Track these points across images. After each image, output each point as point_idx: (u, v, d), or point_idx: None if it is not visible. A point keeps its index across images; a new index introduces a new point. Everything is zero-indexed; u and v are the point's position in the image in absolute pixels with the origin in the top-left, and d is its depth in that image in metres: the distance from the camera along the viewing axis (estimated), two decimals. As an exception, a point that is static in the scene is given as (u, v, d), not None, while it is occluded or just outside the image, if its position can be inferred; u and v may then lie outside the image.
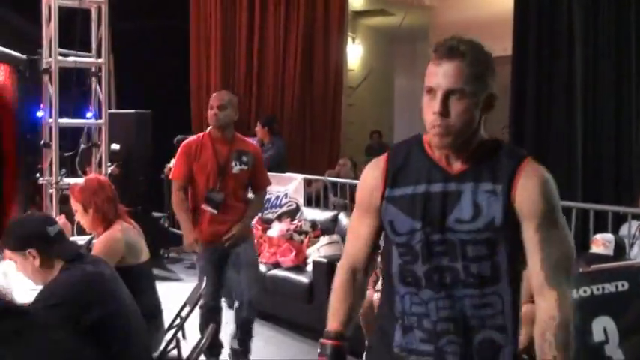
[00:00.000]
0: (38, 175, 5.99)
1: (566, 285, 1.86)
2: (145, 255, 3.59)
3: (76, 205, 3.59)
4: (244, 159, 4.52)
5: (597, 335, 3.40)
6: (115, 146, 7.66)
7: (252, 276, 4.62)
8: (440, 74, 1.84)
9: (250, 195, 4.81)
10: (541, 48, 6.06)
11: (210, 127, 4.57)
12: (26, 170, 5.45)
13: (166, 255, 8.41)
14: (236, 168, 4.49)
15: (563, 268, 1.86)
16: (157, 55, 9.79)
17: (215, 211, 4.42)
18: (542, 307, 1.84)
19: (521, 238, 1.88)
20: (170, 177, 4.68)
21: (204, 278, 4.34)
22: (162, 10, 9.71)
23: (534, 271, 1.86)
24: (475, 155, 1.92)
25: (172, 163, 8.88)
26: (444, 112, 1.83)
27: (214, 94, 4.68)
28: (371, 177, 2.04)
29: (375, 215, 2.02)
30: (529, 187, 1.85)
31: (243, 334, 4.64)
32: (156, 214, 8.54)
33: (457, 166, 1.93)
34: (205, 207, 4.43)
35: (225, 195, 4.45)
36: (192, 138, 4.69)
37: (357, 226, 2.08)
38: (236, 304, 4.66)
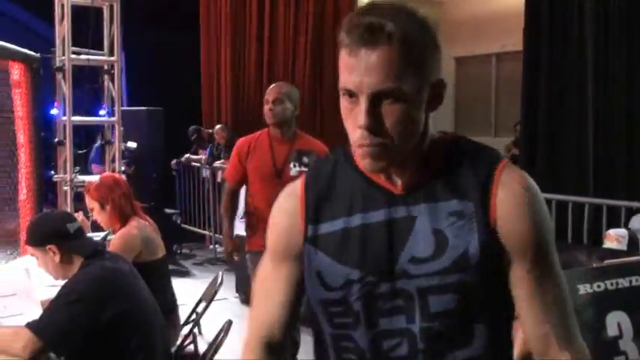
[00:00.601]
0: (53, 172, 6.05)
1: (579, 339, 1.33)
2: (161, 251, 3.62)
3: (92, 203, 3.62)
4: (305, 160, 3.98)
5: (611, 330, 3.40)
6: (132, 144, 7.73)
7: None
8: (360, 69, 1.22)
9: None
10: (552, 42, 6.06)
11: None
12: (40, 168, 5.49)
13: (179, 251, 8.47)
14: (294, 169, 3.96)
15: (570, 316, 1.32)
16: (167, 53, 9.84)
17: None
18: None
19: (504, 277, 1.32)
20: (223, 177, 4.39)
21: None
22: (172, 8, 9.76)
23: (536, 333, 1.31)
24: (427, 163, 1.33)
25: (185, 157, 9.07)
26: (374, 125, 1.24)
27: (270, 87, 4.15)
28: (284, 211, 1.44)
29: (293, 264, 1.42)
30: (513, 204, 1.28)
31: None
32: (168, 211, 8.60)
33: (403, 180, 1.33)
34: None
35: None
36: (249, 135, 4.26)
37: (269, 281, 1.46)
38: None
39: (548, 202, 5.55)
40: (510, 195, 1.28)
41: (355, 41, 1.22)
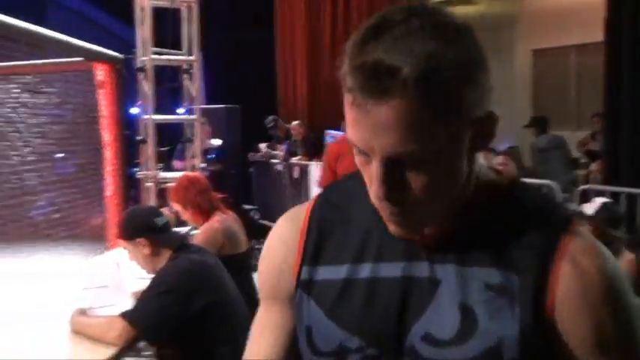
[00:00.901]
0: (136, 169, 6.22)
1: None
2: (244, 245, 3.71)
3: (176, 206, 3.77)
4: None
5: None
6: (217, 141, 7.86)
7: None
8: (367, 127, 0.87)
9: None
10: (635, 33, 5.89)
11: None
12: (125, 165, 5.67)
13: (256, 246, 8.58)
14: None
15: None
16: (244, 51, 9.98)
17: None
18: None
19: None
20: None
21: None
22: (248, 6, 9.90)
23: None
24: (467, 213, 0.99)
25: (263, 149, 9.15)
26: (393, 195, 0.91)
27: None
28: (282, 240, 1.11)
29: (284, 309, 1.11)
30: (582, 288, 0.93)
31: None
32: (246, 207, 8.72)
33: (432, 230, 1.00)
34: None
35: None
36: (339, 138, 4.15)
37: (261, 321, 1.16)
38: None
39: (633, 196, 5.40)
40: (579, 275, 0.93)
41: (358, 88, 0.85)
